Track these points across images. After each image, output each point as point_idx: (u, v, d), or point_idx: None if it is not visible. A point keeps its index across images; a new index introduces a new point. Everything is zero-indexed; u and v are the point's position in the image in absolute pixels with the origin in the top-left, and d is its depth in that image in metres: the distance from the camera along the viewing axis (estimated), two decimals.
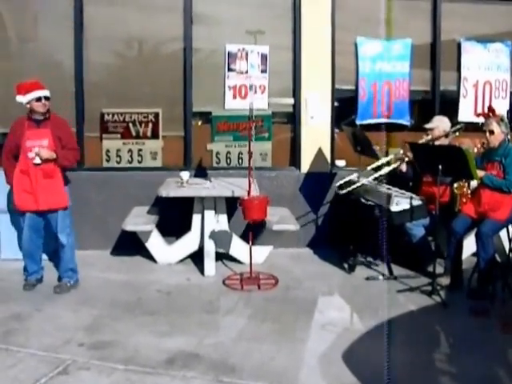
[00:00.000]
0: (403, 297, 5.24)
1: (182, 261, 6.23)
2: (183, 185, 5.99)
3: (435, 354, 4.18)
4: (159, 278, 5.79)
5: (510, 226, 5.44)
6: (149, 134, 6.84)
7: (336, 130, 7.00)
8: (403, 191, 5.57)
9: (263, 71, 6.83)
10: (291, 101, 6.94)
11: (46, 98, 5.11)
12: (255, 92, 6.74)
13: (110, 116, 6.76)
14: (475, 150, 5.52)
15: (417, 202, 5.34)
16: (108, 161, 6.81)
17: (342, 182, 6.06)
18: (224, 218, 6.09)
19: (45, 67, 6.50)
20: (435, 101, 7.08)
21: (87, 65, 6.63)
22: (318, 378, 3.76)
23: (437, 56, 7.02)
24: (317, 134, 6.87)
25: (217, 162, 6.96)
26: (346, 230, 6.35)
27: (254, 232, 5.81)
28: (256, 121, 6.33)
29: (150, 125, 6.83)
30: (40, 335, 4.31)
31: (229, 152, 6.96)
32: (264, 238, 6.23)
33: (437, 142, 5.84)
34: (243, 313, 4.89)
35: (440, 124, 5.91)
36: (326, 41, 6.80)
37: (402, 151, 6.04)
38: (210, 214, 5.89)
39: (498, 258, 5.64)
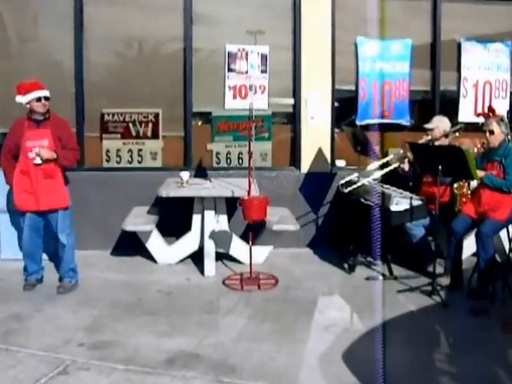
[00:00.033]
0: (403, 297, 5.24)
1: (182, 261, 6.23)
2: (183, 185, 5.99)
3: (435, 354, 4.18)
4: (159, 278, 5.79)
5: (510, 226, 5.44)
6: (149, 134, 6.84)
7: (336, 130, 7.00)
8: (403, 191, 5.57)
9: (263, 71, 6.83)
10: (291, 101, 6.95)
11: (46, 98, 5.11)
12: (255, 92, 6.74)
13: (110, 116, 6.76)
14: (475, 150, 5.52)
15: (417, 202, 5.35)
16: (108, 161, 6.81)
17: (343, 181, 6.05)
18: (224, 218, 6.10)
19: (45, 67, 6.50)
20: (435, 101, 7.08)
21: (87, 65, 6.64)
22: (318, 378, 3.75)
23: (437, 56, 7.03)
24: (317, 134, 6.87)
25: (217, 162, 6.96)
26: (345, 230, 6.35)
27: (254, 232, 5.81)
28: (256, 121, 6.34)
29: (150, 125, 6.83)
30: (40, 335, 4.31)
31: (229, 152, 6.96)
32: (264, 238, 6.23)
33: (437, 142, 5.84)
34: (243, 313, 4.89)
35: (440, 124, 5.91)
36: (326, 41, 6.80)
37: (401, 151, 6.04)
38: (210, 214, 5.89)
39: (498, 258, 5.64)
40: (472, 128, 6.44)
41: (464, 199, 5.41)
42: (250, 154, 5.66)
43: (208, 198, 5.86)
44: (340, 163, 6.97)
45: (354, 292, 5.43)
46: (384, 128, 7.04)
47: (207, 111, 6.96)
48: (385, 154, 6.50)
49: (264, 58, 6.81)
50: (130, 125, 6.80)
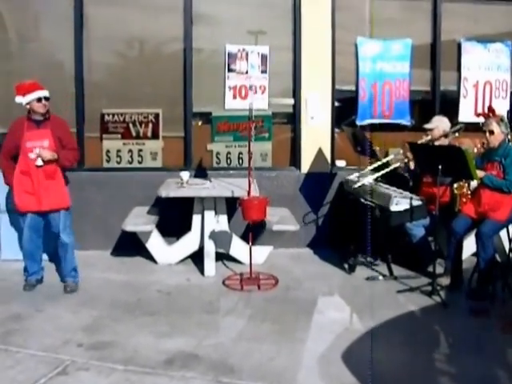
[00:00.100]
0: (403, 297, 5.23)
1: (182, 261, 6.23)
2: (183, 185, 5.99)
3: (435, 354, 4.18)
4: (159, 278, 5.78)
5: (510, 226, 5.44)
6: (149, 134, 6.84)
7: (336, 131, 7.00)
8: (403, 191, 5.57)
9: (263, 71, 6.83)
10: (291, 101, 6.95)
11: (46, 99, 5.12)
12: (255, 92, 6.74)
13: (111, 116, 6.77)
14: (475, 150, 5.52)
15: (417, 202, 5.34)
16: (108, 161, 6.81)
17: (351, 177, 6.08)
18: (224, 218, 6.09)
19: (45, 67, 6.51)
20: (435, 101, 7.08)
21: (87, 65, 6.64)
22: (318, 378, 3.75)
23: (437, 56, 7.02)
24: (317, 134, 6.87)
25: (217, 162, 6.96)
26: (346, 230, 6.35)
27: (254, 232, 5.81)
28: (256, 121, 6.33)
29: (150, 125, 6.83)
30: (39, 336, 4.31)
31: (229, 152, 6.96)
32: (264, 238, 6.23)
33: (436, 143, 5.84)
34: (243, 313, 4.89)
35: (440, 124, 5.91)
36: (327, 41, 6.80)
37: (401, 151, 6.03)
38: (210, 215, 5.89)
39: (498, 258, 5.64)
40: (472, 128, 6.43)
41: (464, 199, 5.41)
42: (250, 154, 5.66)
43: (208, 198, 5.86)
44: (340, 163, 6.97)
45: (354, 292, 5.43)
46: (384, 128, 7.03)
47: (207, 111, 6.96)
48: (385, 154, 6.49)
49: (264, 58, 6.81)
50: (130, 125, 6.80)
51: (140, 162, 6.84)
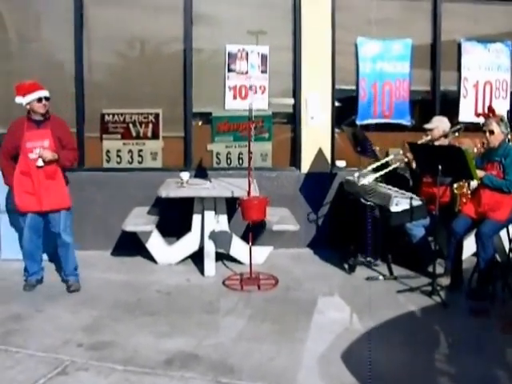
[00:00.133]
0: (403, 297, 5.23)
1: (182, 261, 6.23)
2: (183, 185, 5.99)
3: (435, 354, 4.18)
4: (159, 278, 5.78)
5: (510, 226, 5.44)
6: (149, 134, 6.84)
7: (336, 131, 6.99)
8: (403, 191, 5.57)
9: (263, 71, 6.83)
10: (291, 101, 6.95)
11: (46, 99, 5.12)
12: (255, 92, 6.74)
13: (111, 116, 6.76)
14: (475, 150, 5.52)
15: (417, 202, 5.34)
16: (108, 161, 6.81)
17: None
18: (224, 218, 6.09)
19: (45, 67, 6.51)
20: (435, 101, 7.07)
21: (87, 65, 6.65)
22: (318, 378, 3.75)
23: (437, 56, 7.02)
24: (317, 134, 6.87)
25: (217, 162, 6.96)
26: (346, 231, 6.35)
27: (254, 232, 5.80)
28: (256, 121, 6.32)
29: (151, 125, 6.83)
30: (39, 336, 4.31)
31: (229, 152, 6.96)
32: (264, 238, 6.22)
33: (436, 143, 5.84)
34: (243, 313, 4.88)
35: (439, 124, 5.91)
36: (327, 41, 6.79)
37: (401, 151, 6.03)
38: (210, 215, 5.89)
39: (498, 258, 5.64)
40: (472, 128, 6.43)
41: (464, 199, 5.41)
42: (250, 154, 5.66)
43: (208, 198, 5.86)
44: (340, 163, 6.96)
45: (354, 292, 5.43)
46: (384, 128, 7.03)
47: (207, 111, 6.96)
48: (385, 154, 6.49)
49: (264, 58, 6.81)
50: (131, 125, 6.80)
51: (140, 162, 6.84)
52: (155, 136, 6.84)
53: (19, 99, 5.06)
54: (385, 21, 6.83)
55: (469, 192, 5.40)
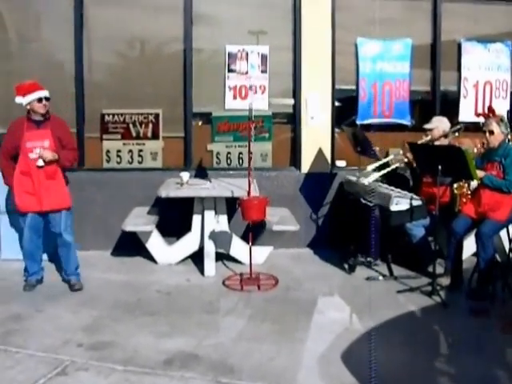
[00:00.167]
0: (403, 297, 5.23)
1: (182, 261, 6.23)
2: (183, 185, 5.99)
3: (435, 354, 4.18)
4: (159, 278, 5.78)
5: (510, 226, 5.43)
6: (149, 134, 6.84)
7: (336, 131, 6.99)
8: (403, 191, 5.57)
9: (263, 72, 6.83)
10: (291, 101, 6.95)
11: (47, 99, 5.12)
12: (255, 92, 6.74)
13: (111, 117, 6.77)
14: (475, 150, 5.52)
15: (417, 202, 5.34)
16: (108, 161, 6.81)
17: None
18: (224, 218, 6.09)
19: (45, 67, 6.52)
20: (435, 101, 7.08)
21: (87, 65, 6.65)
22: (318, 378, 3.75)
23: (437, 56, 7.02)
24: (317, 134, 6.87)
25: (217, 162, 6.96)
26: (346, 231, 6.35)
27: (254, 232, 5.81)
28: (256, 121, 6.32)
29: (151, 125, 6.83)
30: (39, 336, 4.31)
31: (229, 152, 6.96)
32: (264, 238, 6.22)
33: (436, 143, 5.84)
34: (243, 313, 4.88)
35: (439, 124, 5.91)
36: (327, 41, 6.79)
37: (401, 151, 6.03)
38: (210, 215, 5.89)
39: (498, 258, 5.63)
40: (472, 128, 6.43)
41: (464, 199, 5.41)
42: (250, 154, 5.66)
43: (208, 198, 5.86)
44: (340, 163, 6.97)
45: (354, 292, 5.43)
46: (384, 128, 7.03)
47: (207, 111, 6.96)
48: (385, 154, 6.49)
49: (264, 58, 6.81)
50: (131, 125, 6.81)
51: (140, 163, 6.84)
52: (155, 136, 6.84)
53: (19, 99, 5.07)
54: (385, 21, 6.83)
55: (469, 192, 5.40)
